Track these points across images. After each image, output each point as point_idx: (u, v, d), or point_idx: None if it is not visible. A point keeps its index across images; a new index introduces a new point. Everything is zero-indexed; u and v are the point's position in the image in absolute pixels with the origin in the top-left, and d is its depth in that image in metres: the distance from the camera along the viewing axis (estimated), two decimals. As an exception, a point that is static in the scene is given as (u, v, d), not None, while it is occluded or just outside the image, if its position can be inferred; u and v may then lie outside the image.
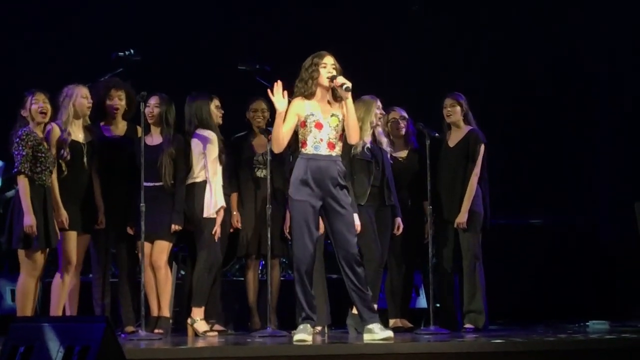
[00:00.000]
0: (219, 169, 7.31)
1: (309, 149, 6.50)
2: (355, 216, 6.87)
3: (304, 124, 6.51)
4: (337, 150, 6.53)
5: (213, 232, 7.23)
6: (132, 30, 9.48)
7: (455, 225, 7.58)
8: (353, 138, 6.59)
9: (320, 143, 6.49)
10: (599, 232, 9.88)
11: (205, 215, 7.23)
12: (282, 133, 6.49)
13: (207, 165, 7.24)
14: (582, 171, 10.15)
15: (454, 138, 7.76)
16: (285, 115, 6.48)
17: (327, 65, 6.52)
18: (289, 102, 6.52)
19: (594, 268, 9.42)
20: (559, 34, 10.20)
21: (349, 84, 6.45)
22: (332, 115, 6.52)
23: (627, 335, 6.99)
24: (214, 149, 7.27)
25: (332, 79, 6.49)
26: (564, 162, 10.08)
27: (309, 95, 6.54)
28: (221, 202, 7.24)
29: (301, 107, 6.52)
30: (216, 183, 7.25)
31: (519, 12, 10.30)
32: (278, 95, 6.43)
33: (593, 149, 10.23)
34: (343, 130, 6.54)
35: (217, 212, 7.24)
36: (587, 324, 8.09)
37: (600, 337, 6.91)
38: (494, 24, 10.30)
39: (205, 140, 7.27)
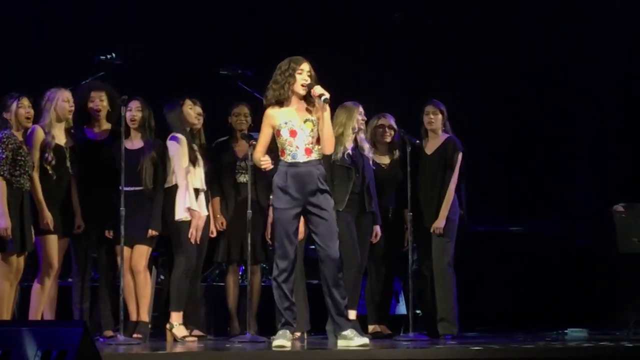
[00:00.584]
0: (193, 171, 7.27)
1: (287, 157, 6.51)
2: None
3: (279, 133, 6.52)
4: (315, 154, 6.53)
5: (189, 235, 7.22)
6: (114, 34, 9.47)
7: (431, 230, 7.59)
8: (327, 149, 6.60)
9: (297, 150, 6.50)
10: (577, 239, 9.92)
11: (176, 218, 7.21)
12: (260, 153, 6.58)
13: (175, 168, 7.22)
14: (561, 179, 10.18)
15: (431, 145, 7.78)
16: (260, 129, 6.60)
17: (303, 72, 6.51)
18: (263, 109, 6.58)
19: (572, 275, 9.45)
20: (541, 45, 10.24)
21: (327, 95, 6.44)
22: (306, 120, 6.53)
23: (605, 343, 7.03)
24: (182, 152, 7.24)
25: (309, 87, 6.49)
26: (543, 170, 10.11)
27: (282, 100, 6.54)
28: (189, 204, 7.18)
29: (274, 117, 6.53)
30: (186, 186, 7.21)
31: (501, 20, 10.34)
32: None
33: (572, 156, 10.27)
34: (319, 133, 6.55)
35: (192, 215, 7.21)
36: (565, 331, 8.13)
37: (578, 345, 6.95)
38: (475, 33, 10.33)
39: (175, 143, 7.26)
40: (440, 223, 7.58)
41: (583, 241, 9.86)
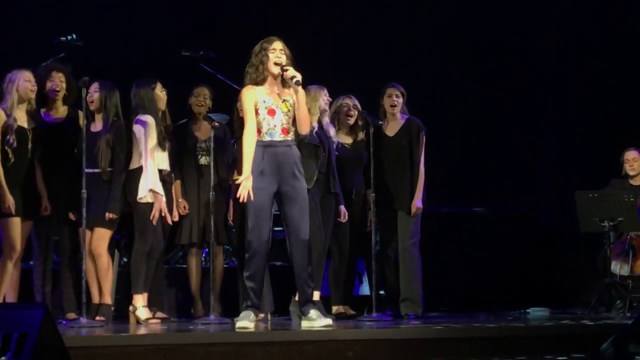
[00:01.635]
0: (159, 154, 7.23)
1: (263, 136, 6.50)
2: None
3: (257, 111, 6.51)
4: (292, 135, 6.55)
5: (151, 217, 7.17)
6: (74, 15, 9.38)
7: (413, 212, 7.60)
8: (303, 129, 6.61)
9: (274, 129, 6.49)
10: (540, 220, 9.99)
11: (137, 197, 7.14)
12: (254, 132, 6.47)
13: (142, 150, 7.17)
14: (524, 160, 10.24)
15: (392, 127, 7.81)
16: (244, 109, 6.55)
17: (276, 51, 6.51)
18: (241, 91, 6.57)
19: (536, 256, 9.51)
20: (503, 23, 10.28)
21: (298, 77, 6.45)
22: (284, 100, 6.53)
23: (566, 322, 7.10)
24: (150, 134, 7.19)
25: (282, 68, 6.48)
26: (507, 151, 10.16)
27: (260, 82, 6.53)
28: (151, 186, 7.13)
29: (253, 94, 6.52)
30: (150, 167, 7.16)
31: (464, 3, 10.37)
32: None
33: (535, 137, 10.34)
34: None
35: (154, 197, 7.16)
36: (527, 311, 8.20)
37: (540, 324, 7.01)
38: (439, 14, 10.36)
39: (142, 125, 7.21)
40: (418, 203, 7.62)
41: (545, 222, 9.94)
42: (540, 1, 10.28)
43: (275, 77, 6.55)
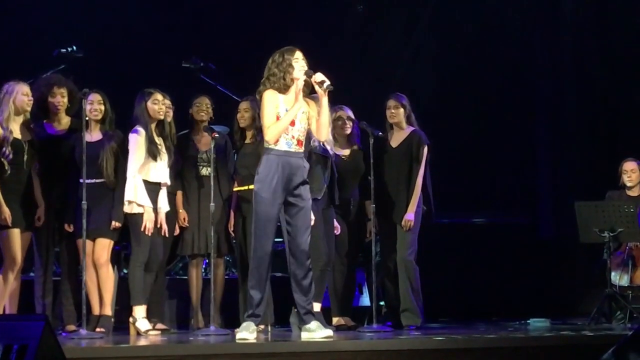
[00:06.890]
0: (153, 164, 7.19)
1: (281, 145, 6.45)
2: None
3: (277, 118, 6.46)
4: (304, 148, 6.53)
5: (142, 229, 7.17)
6: (74, 27, 9.41)
7: (402, 224, 7.60)
8: (324, 135, 6.60)
9: (292, 140, 6.47)
10: (540, 230, 10.00)
11: (127, 211, 7.14)
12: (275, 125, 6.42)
13: (129, 160, 7.14)
14: (523, 170, 10.25)
15: (396, 139, 7.81)
16: (264, 110, 6.45)
17: (299, 60, 6.48)
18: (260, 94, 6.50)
19: (535, 266, 9.52)
20: (501, 37, 10.31)
21: (328, 81, 6.40)
22: (302, 112, 6.50)
23: (567, 332, 7.09)
24: (139, 146, 7.15)
25: (308, 75, 6.44)
26: (506, 161, 10.18)
27: (281, 91, 6.49)
28: (129, 197, 7.08)
29: (276, 99, 6.46)
30: (134, 178, 7.09)
31: (463, 15, 10.39)
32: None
33: (534, 148, 10.36)
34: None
35: (143, 209, 7.14)
36: (528, 321, 8.19)
37: (540, 335, 7.01)
38: (439, 26, 10.39)
39: (133, 136, 7.19)
40: (409, 216, 7.59)
41: (544, 232, 9.94)
42: (538, 13, 10.31)
43: (297, 87, 6.49)
